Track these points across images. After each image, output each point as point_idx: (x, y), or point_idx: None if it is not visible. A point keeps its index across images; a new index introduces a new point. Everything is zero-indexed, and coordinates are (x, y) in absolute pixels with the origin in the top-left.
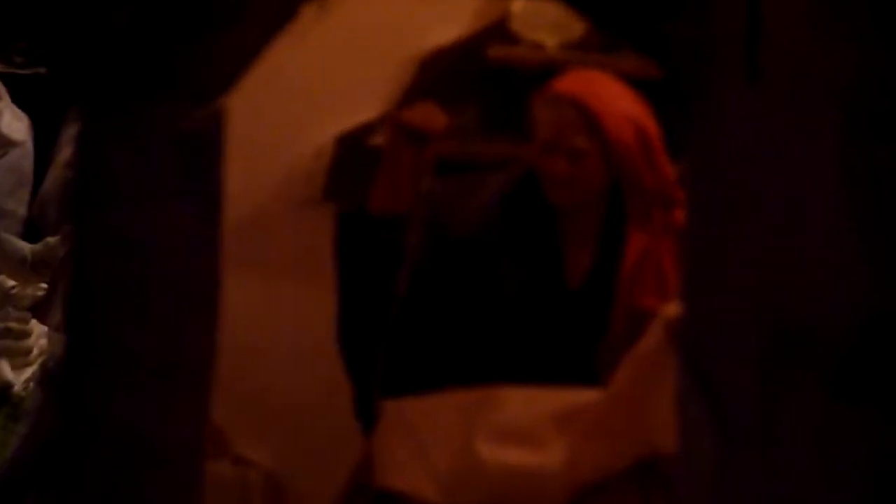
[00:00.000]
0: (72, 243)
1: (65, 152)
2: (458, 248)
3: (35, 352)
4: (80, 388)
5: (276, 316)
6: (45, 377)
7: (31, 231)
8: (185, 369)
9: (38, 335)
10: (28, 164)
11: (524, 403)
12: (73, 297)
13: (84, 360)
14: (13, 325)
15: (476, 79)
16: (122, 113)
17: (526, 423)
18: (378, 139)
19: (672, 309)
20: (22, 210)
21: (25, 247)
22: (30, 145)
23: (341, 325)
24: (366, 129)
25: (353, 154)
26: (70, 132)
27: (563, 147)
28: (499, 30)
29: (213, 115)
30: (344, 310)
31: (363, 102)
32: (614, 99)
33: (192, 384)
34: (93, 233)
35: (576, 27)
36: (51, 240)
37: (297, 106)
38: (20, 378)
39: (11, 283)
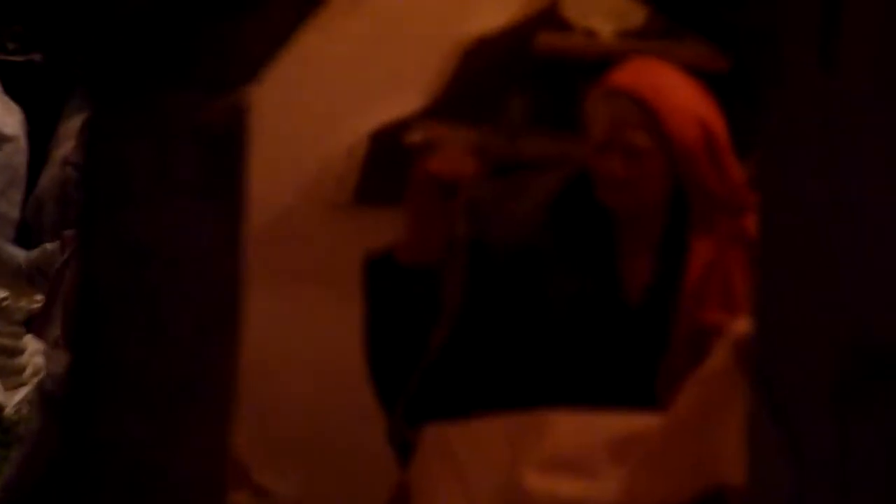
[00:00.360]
0: (77, 248)
1: (63, 148)
2: (501, 259)
3: (29, 371)
4: (85, 412)
5: (303, 331)
6: (42, 399)
7: (23, 235)
8: (203, 391)
9: (33, 352)
10: (21, 161)
11: (575, 429)
12: (78, 310)
13: (90, 379)
14: (5, 340)
15: (523, 70)
16: (136, 103)
17: (577, 451)
18: (416, 136)
19: (741, 326)
20: (14, 212)
21: (19, 254)
22: (23, 140)
23: (372, 350)
24: (402, 125)
25: (388, 152)
26: (68, 125)
27: (619, 146)
28: (549, 16)
29: (236, 107)
30: (374, 342)
31: (400, 95)
32: (677, 92)
33: (212, 408)
34: (102, 237)
35: (634, 13)
36: (48, 246)
37: (328, 99)
38: (12, 400)
39: (3, 294)
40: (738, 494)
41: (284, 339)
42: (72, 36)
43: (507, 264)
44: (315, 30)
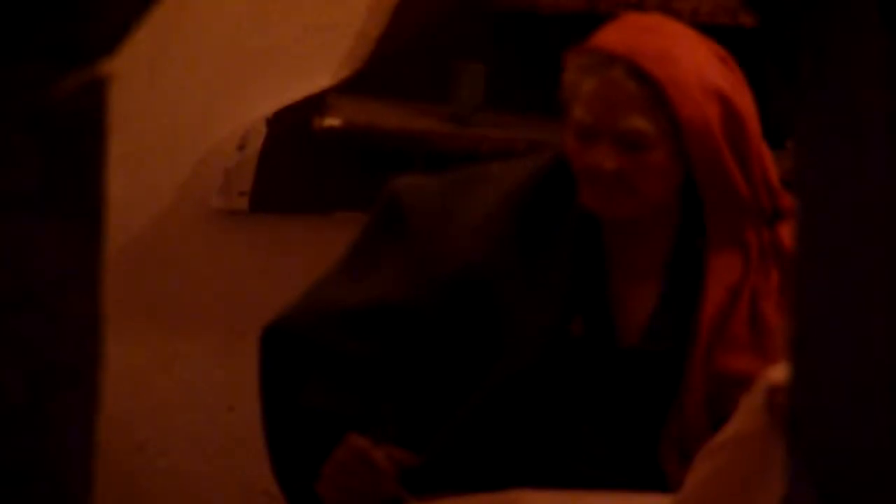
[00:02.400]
0: None
1: None
2: (450, 289)
3: None
4: None
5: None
6: None
7: None
8: (48, 477)
9: None
10: None
11: None
12: None
13: None
14: None
15: (478, 28)
16: None
17: None
18: (332, 119)
19: (776, 375)
20: None
21: None
22: None
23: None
24: (312, 106)
25: (293, 142)
26: None
27: (609, 131)
28: None
29: (92, 87)
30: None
31: (307, 68)
32: (686, 58)
33: (60, 499)
34: None
35: None
36: None
37: (209, 75)
38: None
39: None
40: None
41: (156, 395)
42: None
43: (456, 292)
44: None
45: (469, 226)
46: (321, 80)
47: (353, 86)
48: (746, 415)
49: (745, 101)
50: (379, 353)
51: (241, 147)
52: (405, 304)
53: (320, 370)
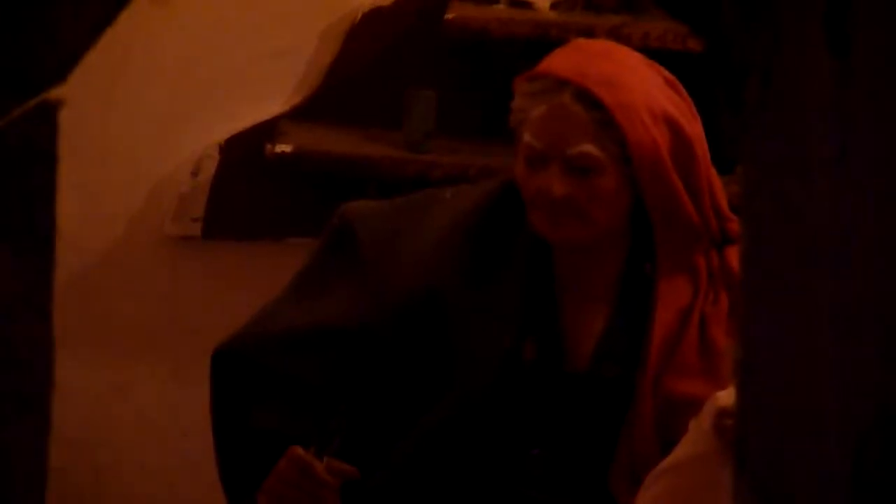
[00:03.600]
0: None
1: None
2: (401, 312)
3: None
4: None
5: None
6: None
7: None
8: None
9: None
10: None
11: None
12: None
13: None
14: None
15: (430, 54)
16: None
17: None
18: (284, 145)
19: (724, 398)
20: None
21: None
22: None
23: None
24: (264, 132)
25: (246, 168)
26: None
27: (560, 157)
28: None
29: (42, 114)
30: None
31: (260, 94)
32: (635, 84)
33: None
34: None
35: None
36: None
37: (162, 100)
38: None
39: None
40: None
41: (111, 421)
42: None
43: (405, 317)
44: (148, 10)
45: (420, 250)
46: (273, 106)
47: (305, 112)
48: (695, 438)
49: (694, 127)
50: (324, 374)
51: (195, 173)
52: (352, 326)
53: (268, 392)
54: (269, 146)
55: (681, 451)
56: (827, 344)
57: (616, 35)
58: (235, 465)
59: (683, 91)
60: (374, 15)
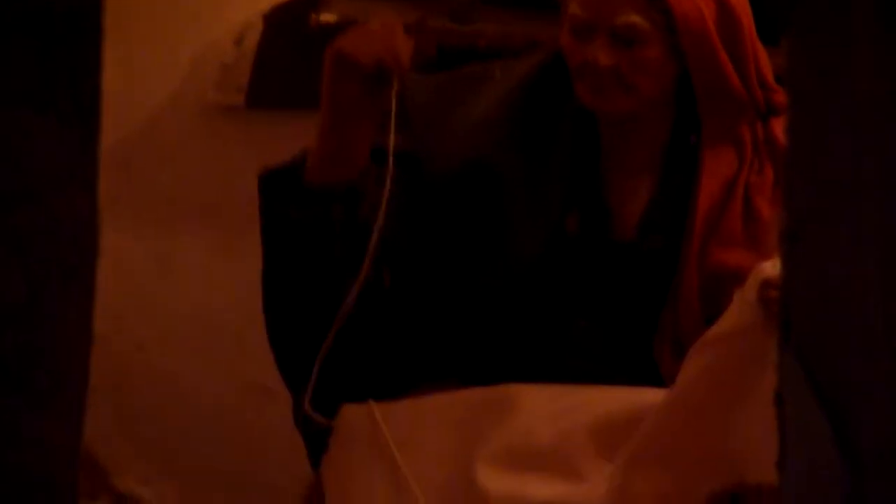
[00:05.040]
0: None
1: None
2: (447, 182)
3: None
4: None
5: (177, 284)
6: None
7: None
8: (46, 367)
9: None
10: None
11: (547, 411)
12: None
13: None
14: None
15: None
16: None
17: (549, 440)
18: (328, 15)
19: (769, 270)
20: None
21: None
22: None
23: (271, 303)
24: (308, 2)
25: (289, 39)
26: None
27: (604, 27)
28: None
29: None
30: (274, 292)
31: None
32: None
33: (58, 387)
34: None
35: None
36: None
37: None
38: None
39: None
40: (764, 499)
41: (152, 296)
42: None
43: (454, 188)
44: None
45: (470, 122)
46: None
47: None
48: (740, 309)
49: None
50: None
51: (238, 42)
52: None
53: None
54: (313, 16)
55: (725, 323)
56: (872, 212)
57: None
58: (289, 329)
59: None
60: None
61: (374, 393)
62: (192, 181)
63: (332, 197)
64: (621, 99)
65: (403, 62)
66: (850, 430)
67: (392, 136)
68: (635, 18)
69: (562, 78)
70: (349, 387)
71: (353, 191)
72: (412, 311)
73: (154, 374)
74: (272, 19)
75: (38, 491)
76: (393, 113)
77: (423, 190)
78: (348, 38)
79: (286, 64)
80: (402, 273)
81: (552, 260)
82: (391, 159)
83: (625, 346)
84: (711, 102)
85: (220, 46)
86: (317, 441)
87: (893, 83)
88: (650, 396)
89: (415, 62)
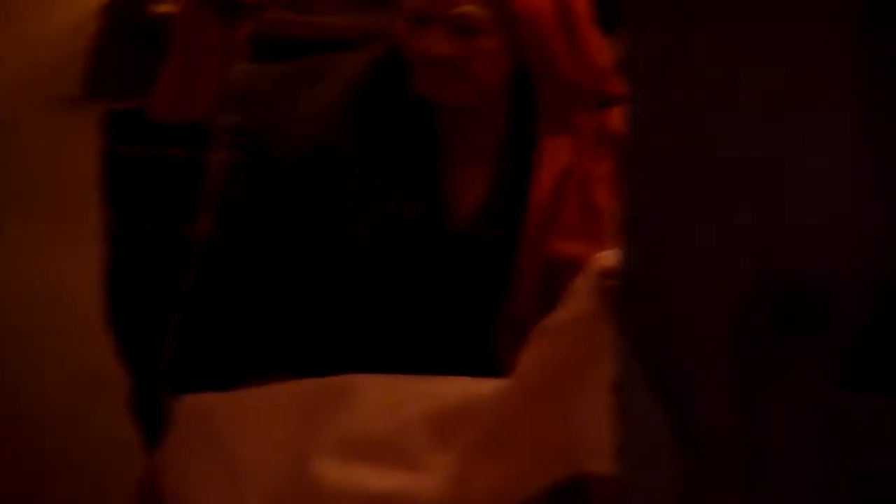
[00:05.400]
0: None
1: None
2: (286, 169)
3: None
4: None
5: (16, 274)
6: None
7: None
8: None
9: None
10: None
11: (385, 401)
12: None
13: None
14: None
15: None
16: None
17: (387, 430)
18: (166, 6)
19: (606, 259)
20: None
21: None
22: None
23: (113, 290)
24: None
25: (127, 29)
26: None
27: (443, 16)
28: None
29: None
30: (117, 268)
31: None
32: None
33: None
34: None
35: None
36: None
37: None
38: None
39: None
40: (603, 487)
41: None
42: None
43: (293, 176)
44: None
45: (309, 113)
46: None
47: None
48: (577, 298)
49: None
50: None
51: (77, 32)
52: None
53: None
54: (150, 7)
55: (563, 312)
56: (709, 204)
57: None
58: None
59: None
60: None
61: (208, 383)
62: (28, 169)
63: (175, 135)
64: (459, 89)
65: None
66: (685, 417)
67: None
68: (472, 8)
69: (400, 68)
70: (185, 376)
71: (198, 130)
72: (247, 294)
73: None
74: (110, 10)
75: None
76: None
77: (265, 172)
78: None
79: (124, 54)
80: (237, 246)
81: (389, 249)
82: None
83: (464, 336)
84: (549, 93)
85: (58, 36)
86: (152, 430)
87: (736, 62)
88: (487, 386)
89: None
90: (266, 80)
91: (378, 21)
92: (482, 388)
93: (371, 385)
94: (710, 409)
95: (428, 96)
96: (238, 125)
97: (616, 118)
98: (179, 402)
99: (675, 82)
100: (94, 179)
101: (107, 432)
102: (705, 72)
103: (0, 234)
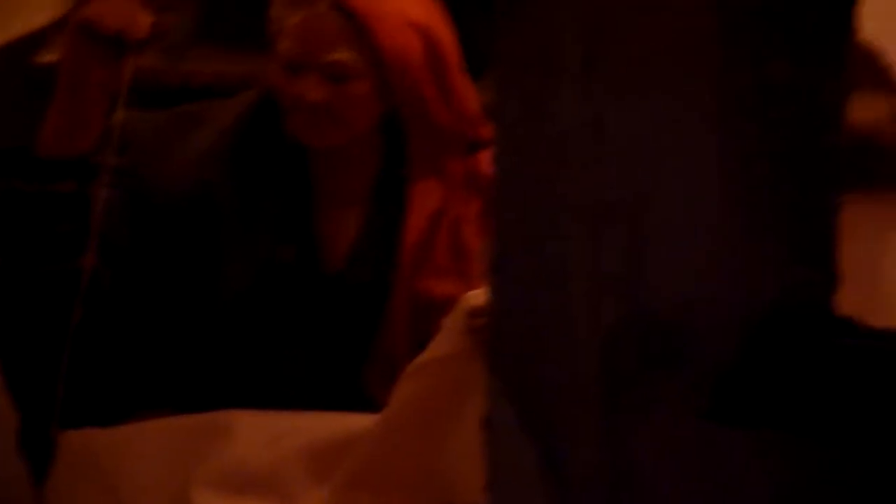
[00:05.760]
0: None
1: None
2: (163, 216)
3: None
4: None
5: None
6: None
7: None
8: None
9: None
10: None
11: (262, 436)
12: None
13: None
14: None
15: None
16: None
17: (265, 464)
18: (51, 55)
19: (475, 298)
20: None
21: None
22: None
23: (0, 324)
24: (32, 42)
25: (13, 78)
26: None
27: (316, 64)
28: None
29: None
30: (4, 303)
31: (27, 4)
32: None
33: None
34: None
35: None
36: None
37: None
38: None
39: None
40: None
41: None
42: None
43: (173, 219)
44: None
45: (187, 159)
46: (40, 15)
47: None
48: (447, 337)
49: (445, 34)
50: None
51: None
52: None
53: None
54: (36, 55)
55: (434, 350)
56: (576, 243)
57: None
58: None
59: (437, 1)
60: None
61: (95, 418)
62: None
63: (63, 169)
64: (332, 133)
65: (141, 34)
66: (554, 452)
67: (121, 113)
68: (344, 55)
69: (275, 113)
70: (72, 411)
71: (86, 164)
72: (131, 330)
73: None
74: None
75: None
76: (123, 88)
77: (145, 213)
78: (92, 6)
79: (9, 104)
80: (120, 284)
81: (264, 290)
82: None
83: (337, 376)
84: (419, 137)
85: None
86: (40, 466)
87: (596, 112)
88: (362, 422)
89: (148, 34)
90: (146, 126)
91: (253, 67)
92: (357, 423)
93: (248, 421)
94: (578, 445)
95: (302, 140)
96: (119, 166)
97: (485, 161)
98: (64, 438)
99: (542, 127)
100: None
101: None
102: (570, 117)
103: None
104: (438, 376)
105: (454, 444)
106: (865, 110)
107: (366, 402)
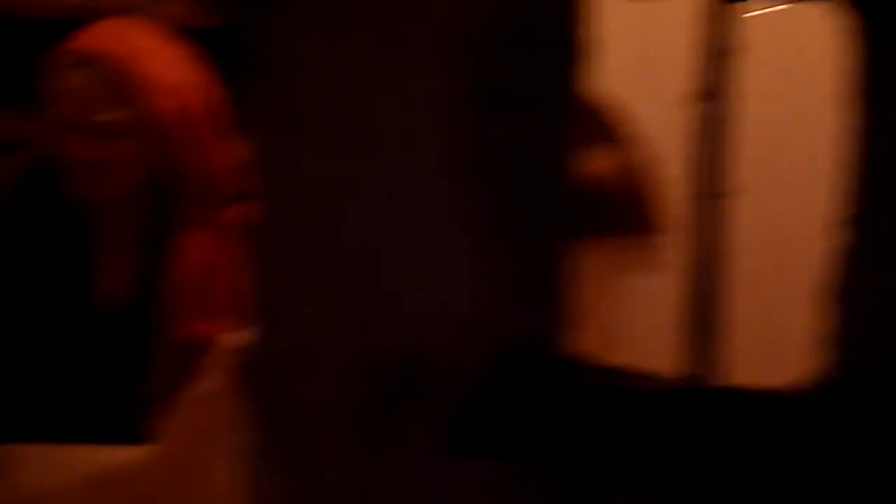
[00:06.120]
0: None
1: None
2: None
3: None
4: None
5: None
6: None
7: None
8: None
9: None
10: None
11: (45, 468)
12: None
13: None
14: None
15: None
16: None
17: (45, 494)
18: None
19: (237, 338)
20: None
21: None
22: None
23: None
24: None
25: None
26: None
27: (89, 124)
28: None
29: None
30: None
31: None
32: (157, 59)
33: None
34: None
35: None
36: None
37: None
38: None
39: None
40: None
41: None
42: None
43: None
44: None
45: None
46: None
47: None
48: (210, 374)
49: (203, 97)
50: None
51: None
52: None
53: None
54: None
55: (197, 387)
56: (331, 287)
57: (141, 13)
58: None
59: (203, 63)
60: None
61: None
62: None
63: None
64: (103, 188)
65: None
66: (308, 483)
67: None
68: (114, 115)
69: (51, 170)
70: None
71: None
72: None
73: None
74: None
75: None
76: None
77: None
78: None
79: None
80: None
81: (38, 334)
82: None
83: (107, 410)
84: (183, 191)
85: None
86: None
87: (356, 170)
88: (131, 454)
89: None
90: None
91: (27, 128)
92: (130, 455)
93: (31, 454)
94: (331, 476)
95: (77, 195)
96: None
97: (250, 211)
98: None
99: (304, 182)
100: None
101: None
102: (330, 174)
103: None
104: (202, 413)
105: (217, 474)
106: (598, 162)
107: (134, 436)
